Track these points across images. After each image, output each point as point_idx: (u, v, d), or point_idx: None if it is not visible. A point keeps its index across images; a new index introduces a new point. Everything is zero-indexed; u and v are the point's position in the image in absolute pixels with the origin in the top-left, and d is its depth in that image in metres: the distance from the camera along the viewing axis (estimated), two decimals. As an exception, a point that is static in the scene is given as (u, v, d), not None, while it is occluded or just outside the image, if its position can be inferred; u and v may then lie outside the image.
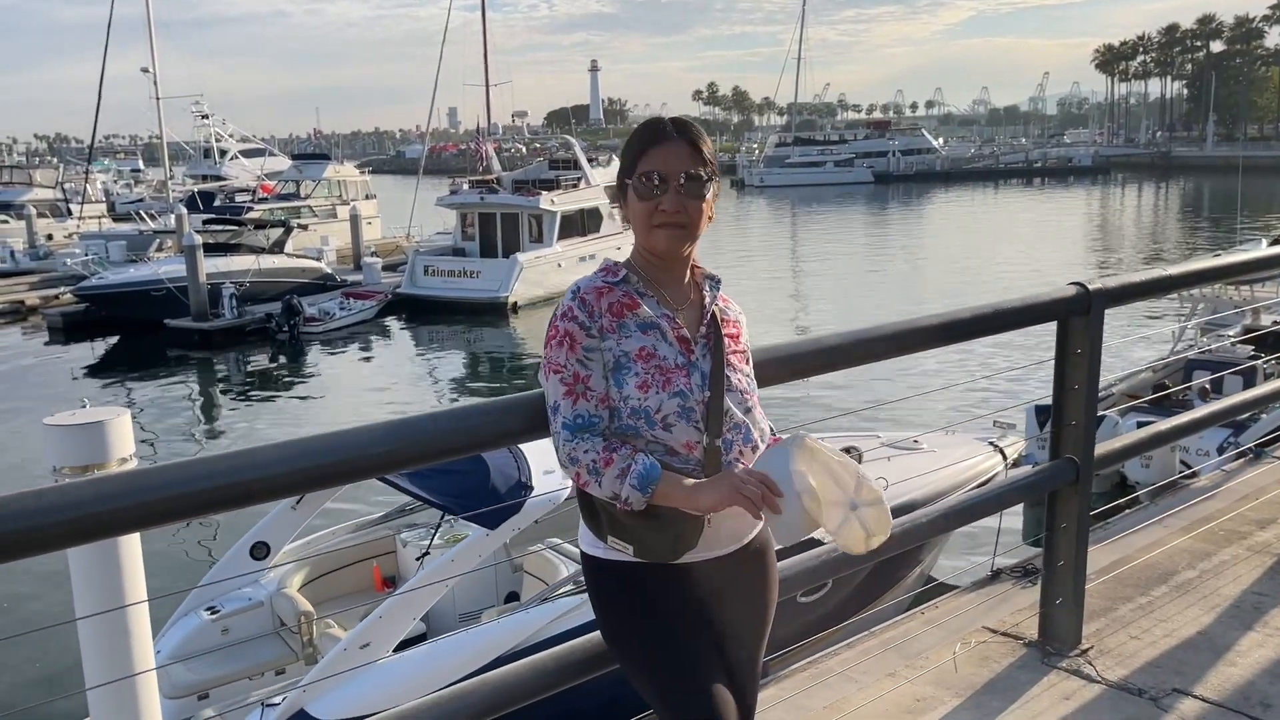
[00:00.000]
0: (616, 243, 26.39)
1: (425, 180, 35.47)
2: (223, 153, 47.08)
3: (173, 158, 47.56)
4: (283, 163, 44.48)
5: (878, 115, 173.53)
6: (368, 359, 20.81)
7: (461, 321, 23.26)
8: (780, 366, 2.39)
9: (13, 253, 30.99)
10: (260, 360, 20.42)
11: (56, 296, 24.83)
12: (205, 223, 26.08)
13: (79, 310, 22.84)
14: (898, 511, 2.14)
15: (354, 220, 30.19)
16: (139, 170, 65.96)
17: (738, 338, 2.03)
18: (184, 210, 28.73)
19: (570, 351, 1.85)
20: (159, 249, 26.85)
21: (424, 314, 23.76)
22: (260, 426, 15.39)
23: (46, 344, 22.39)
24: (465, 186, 26.81)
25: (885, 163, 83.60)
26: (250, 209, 29.88)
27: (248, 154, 47.14)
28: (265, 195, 34.71)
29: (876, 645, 3.39)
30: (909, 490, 6.53)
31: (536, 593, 6.17)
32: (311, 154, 47.23)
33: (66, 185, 43.72)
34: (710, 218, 1.95)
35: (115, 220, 37.49)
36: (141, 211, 34.07)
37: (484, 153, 30.41)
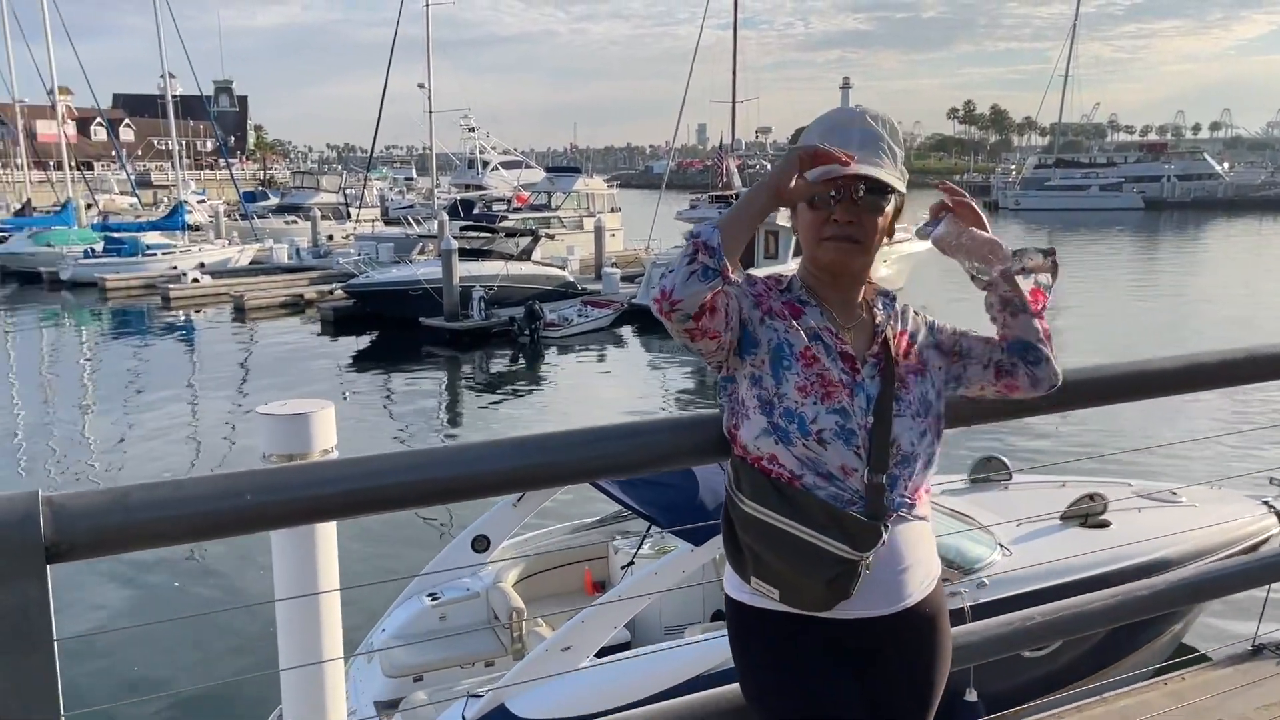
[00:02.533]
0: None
1: (669, 195, 36.17)
2: (485, 164, 49.89)
3: (442, 167, 50.97)
4: (537, 175, 46.63)
5: (1153, 137, 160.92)
6: (601, 365, 21.38)
7: (692, 333, 23.42)
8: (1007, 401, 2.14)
9: (298, 250, 34.19)
10: (502, 361, 21.43)
11: (330, 292, 27.10)
12: (462, 229, 27.71)
13: (348, 305, 24.84)
14: (1149, 569, 1.87)
15: (598, 232, 31.18)
16: (411, 178, 71.16)
17: (909, 351, 1.82)
18: (445, 217, 30.67)
19: (729, 295, 1.69)
20: (421, 251, 28.81)
21: (656, 324, 23.82)
22: (496, 425, 16.09)
23: (318, 334, 24.50)
24: (705, 201, 27.06)
25: (1159, 188, 77.22)
26: (504, 218, 31.49)
27: (507, 166, 49.74)
28: (520, 205, 36.49)
29: (1107, 714, 3.03)
30: (1162, 547, 5.91)
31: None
32: (564, 167, 49.28)
33: (348, 191, 47.79)
34: (890, 235, 1.80)
35: (387, 224, 40.52)
36: (409, 217, 36.67)
37: (725, 168, 30.59)
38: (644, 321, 24.39)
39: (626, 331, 24.12)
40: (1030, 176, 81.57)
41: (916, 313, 1.91)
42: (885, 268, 27.06)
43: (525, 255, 26.35)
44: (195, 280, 29.83)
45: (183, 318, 27.33)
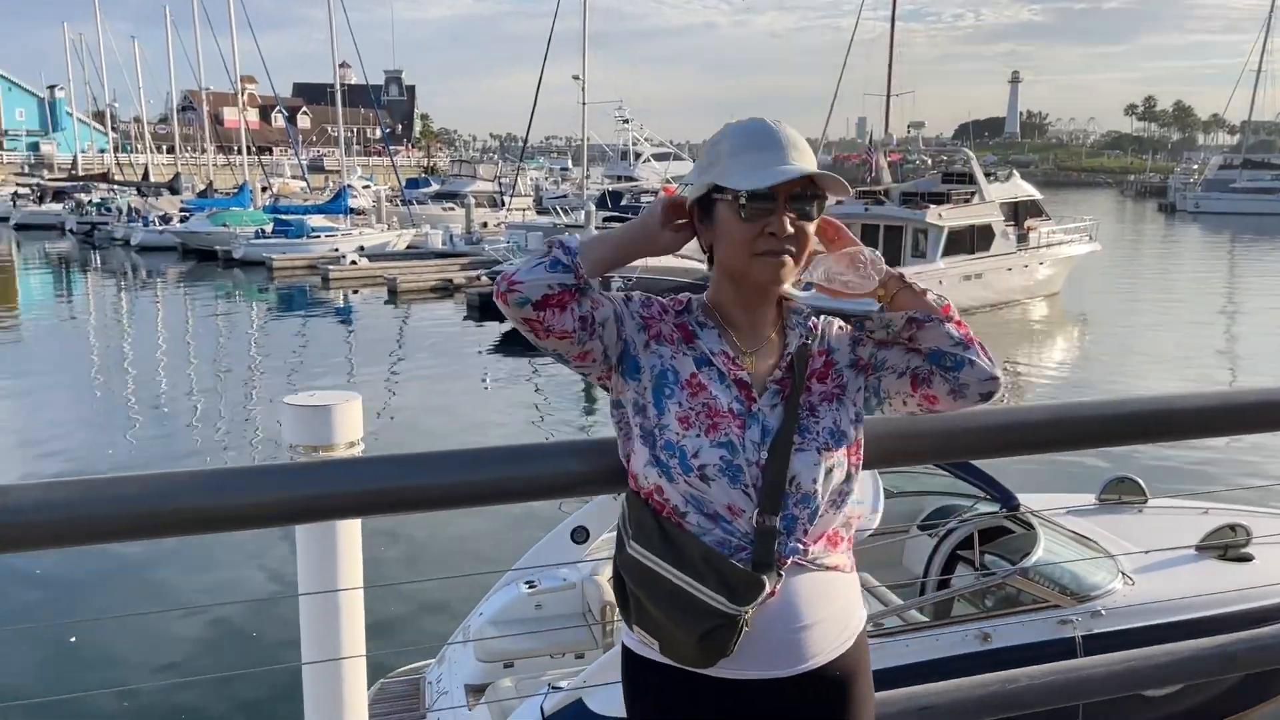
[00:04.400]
0: (1008, 263, 24.70)
1: (819, 189, 35.36)
2: (637, 155, 50.29)
3: (597, 159, 51.70)
4: (687, 166, 46.72)
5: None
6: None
7: (833, 331, 22.98)
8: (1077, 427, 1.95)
9: (452, 236, 35.28)
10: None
11: (477, 278, 27.84)
12: (605, 219, 27.97)
13: (492, 292, 25.48)
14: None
15: (742, 226, 30.91)
16: (567, 169, 72.49)
17: (826, 373, 1.64)
18: (592, 207, 31.03)
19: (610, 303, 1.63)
20: (566, 241, 29.22)
21: (799, 322, 23.72)
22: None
23: (464, 319, 25.22)
24: (851, 197, 26.46)
25: (1360, 193, 70.95)
26: (649, 208, 31.58)
27: (658, 157, 50.02)
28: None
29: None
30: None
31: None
32: (712, 159, 49.08)
33: (503, 180, 49.01)
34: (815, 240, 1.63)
35: (538, 213, 41.35)
36: (558, 206, 37.29)
37: (874, 163, 29.80)
38: (783, 318, 24.06)
39: (764, 327, 23.82)
40: (1213, 178, 76.24)
41: (841, 326, 1.74)
42: (1044, 269, 25.82)
43: (666, 247, 26.39)
44: (353, 262, 31.18)
45: (340, 298, 28.62)
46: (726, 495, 1.52)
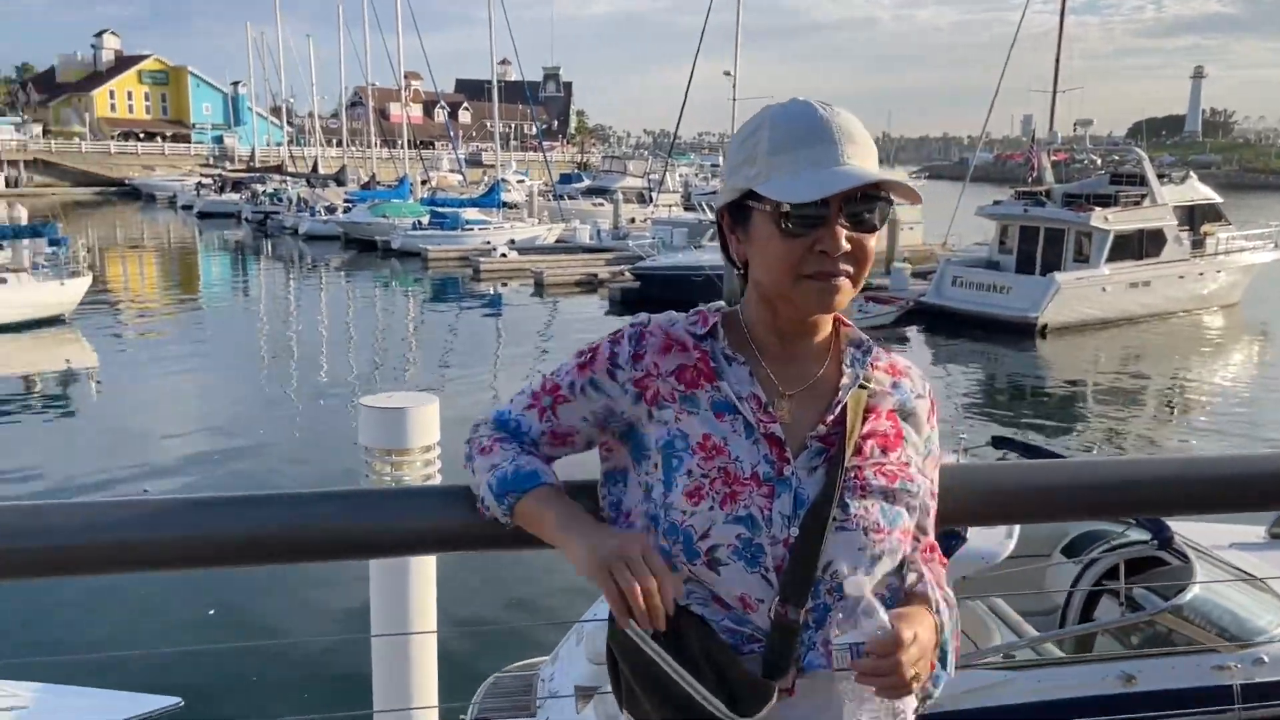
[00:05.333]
0: (1179, 270, 23.14)
1: (981, 188, 34.22)
2: (787, 152, 49.62)
3: (748, 155, 51.01)
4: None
5: None
6: (880, 365, 20.55)
7: (983, 339, 22.05)
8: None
9: (599, 231, 35.68)
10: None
11: (621, 273, 28.02)
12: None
13: (634, 288, 25.57)
14: None
15: (891, 224, 30.11)
16: (717, 165, 72.24)
17: (894, 443, 1.31)
18: (737, 203, 30.77)
19: (579, 370, 1.35)
20: (710, 238, 29.12)
21: (944, 326, 22.92)
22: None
23: (606, 314, 25.44)
24: (1011, 197, 25.30)
25: None
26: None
27: (807, 154, 49.17)
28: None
29: None
30: None
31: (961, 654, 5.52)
32: (865, 157, 48.08)
33: (652, 175, 49.24)
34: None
35: (685, 209, 41.34)
36: (705, 203, 37.18)
37: (1036, 161, 28.40)
38: (932, 321, 23.27)
39: (911, 331, 23.09)
40: None
41: (920, 394, 1.38)
42: (1221, 278, 24.11)
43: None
44: (503, 255, 31.90)
45: (490, 290, 29.34)
46: (740, 583, 1.23)
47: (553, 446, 1.38)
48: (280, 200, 46.79)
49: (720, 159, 77.74)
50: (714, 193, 45.08)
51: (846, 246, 1.23)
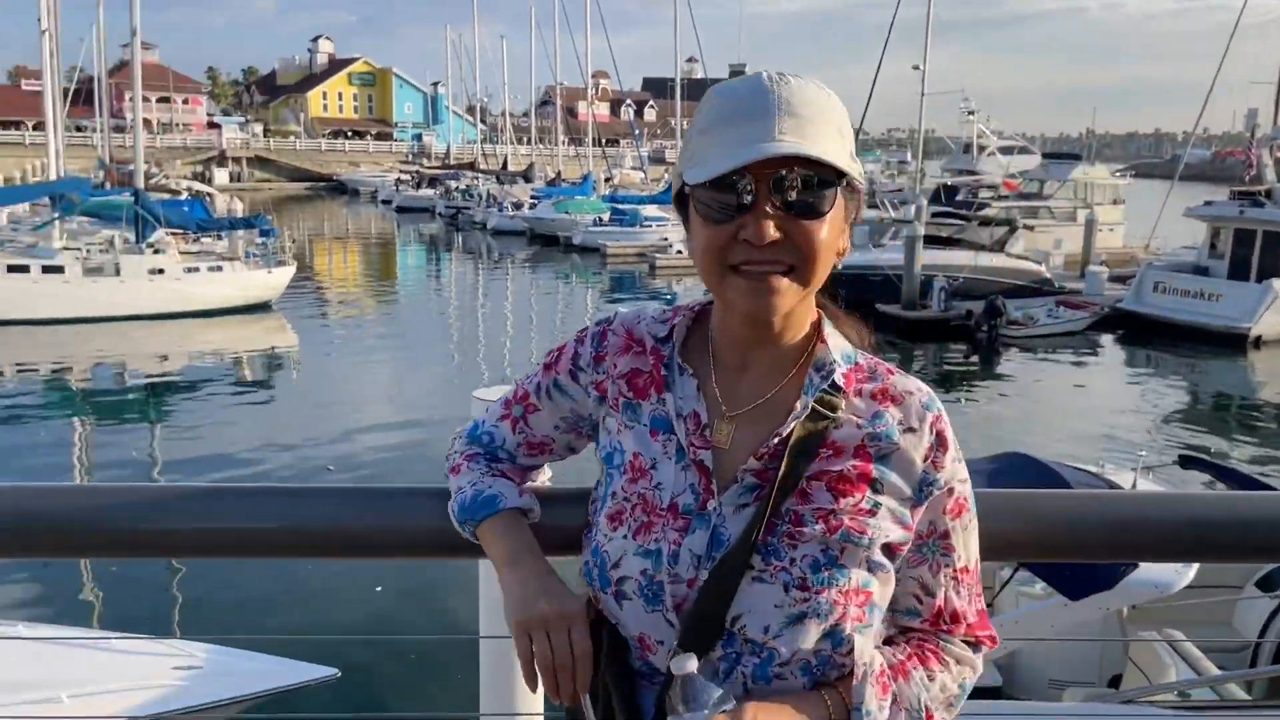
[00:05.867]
0: None
1: (1195, 188, 31.81)
2: (981, 149, 47.87)
3: (940, 151, 49.52)
4: (1033, 161, 43.72)
5: None
6: (1068, 373, 19.48)
7: (1187, 350, 20.50)
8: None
9: (777, 229, 35.31)
10: (956, 356, 20.42)
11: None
12: (934, 215, 26.76)
13: (809, 285, 25.15)
14: None
15: (1088, 225, 28.45)
16: (905, 161, 70.27)
17: (853, 488, 1.09)
18: (923, 202, 29.81)
19: (545, 372, 1.25)
20: (893, 236, 28.33)
21: (1144, 334, 21.45)
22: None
23: (780, 312, 25.20)
24: (1227, 198, 23.40)
25: None
26: (985, 205, 29.85)
27: (1004, 151, 47.23)
28: (1007, 193, 34.40)
29: None
30: None
31: (1131, 689, 5.15)
32: (1061, 154, 45.77)
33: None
34: (842, 252, 1.11)
35: (869, 207, 40.38)
36: (886, 200, 36.23)
37: (1254, 159, 26.11)
38: (1129, 328, 21.84)
39: (1106, 338, 21.75)
40: None
41: (927, 433, 1.13)
42: None
43: (999, 246, 24.77)
44: (679, 252, 32.06)
45: (664, 286, 29.60)
46: (638, 622, 1.11)
47: (530, 456, 1.30)
48: (471, 196, 48.74)
49: (909, 155, 75.53)
50: (898, 190, 43.83)
51: (774, 235, 1.04)
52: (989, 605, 5.92)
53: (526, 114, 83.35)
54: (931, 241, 23.32)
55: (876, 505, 1.10)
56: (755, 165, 1.02)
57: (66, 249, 21.38)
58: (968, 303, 21.90)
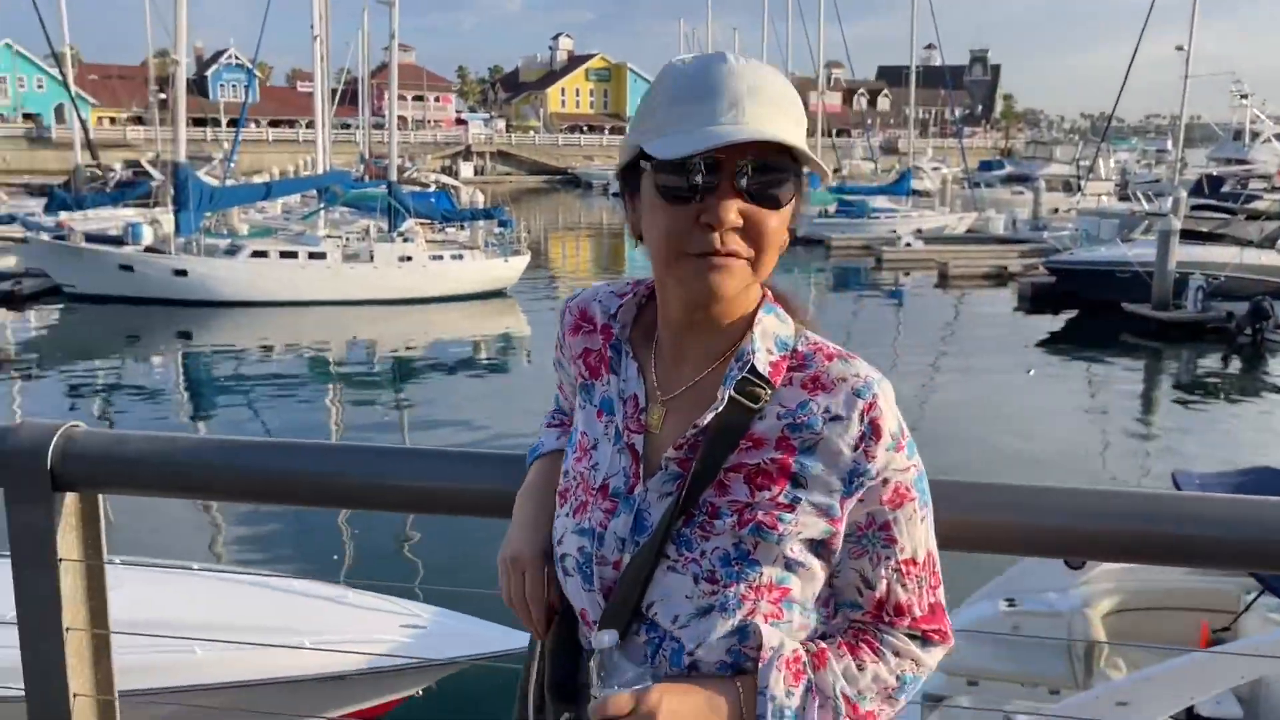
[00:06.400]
0: None
1: None
2: (1254, 135, 43.70)
3: (1204, 139, 45.51)
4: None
5: None
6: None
7: None
8: None
9: (1015, 222, 33.65)
10: (1212, 362, 18.74)
11: (1035, 267, 26.23)
12: (1194, 208, 24.64)
13: (1048, 283, 23.76)
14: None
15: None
16: (1164, 150, 65.11)
17: (771, 481, 1.08)
18: (1182, 194, 27.51)
19: (555, 353, 1.30)
20: (1145, 231, 26.31)
21: None
22: (1190, 445, 13.95)
23: (1014, 310, 23.97)
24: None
25: None
26: (1255, 198, 27.17)
27: (1281, 138, 42.88)
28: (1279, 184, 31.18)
29: None
30: None
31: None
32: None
33: (1083, 162, 45.44)
34: (783, 244, 1.09)
35: (1119, 199, 37.77)
36: (1140, 192, 33.69)
37: None
38: None
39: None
40: None
41: (860, 419, 1.08)
42: None
43: (1269, 243, 22.46)
44: (907, 245, 31.14)
45: (891, 280, 28.82)
46: (577, 597, 1.16)
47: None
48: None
49: (1169, 143, 69.78)
50: (1155, 180, 40.59)
51: (736, 220, 1.04)
52: (1226, 629, 5.48)
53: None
54: (1189, 236, 21.48)
55: (796, 500, 1.08)
56: (723, 149, 1.01)
57: (329, 237, 23.37)
58: (1228, 303, 20.00)
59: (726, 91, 1.04)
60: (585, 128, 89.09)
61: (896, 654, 1.14)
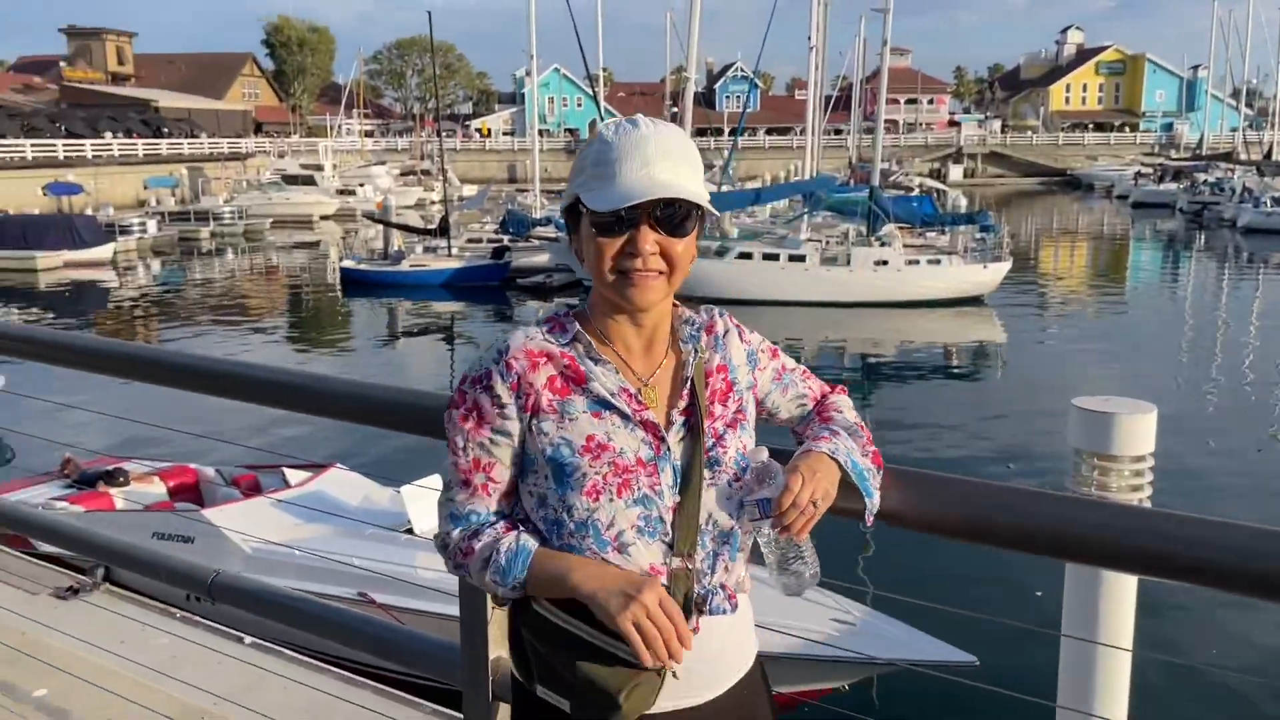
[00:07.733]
0: None
1: None
2: None
3: None
4: None
5: None
6: None
7: None
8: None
9: None
10: None
11: None
12: None
13: None
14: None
15: None
16: None
17: (728, 390, 1.54)
18: None
19: (476, 430, 1.46)
20: None
21: None
22: None
23: None
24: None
25: None
26: None
27: None
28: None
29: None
30: None
31: None
32: None
33: None
34: (692, 258, 1.47)
35: None
36: None
37: None
38: None
39: None
40: None
41: (743, 338, 1.61)
42: None
43: None
44: None
45: None
46: (646, 555, 1.42)
47: (507, 504, 1.52)
48: (1222, 190, 43.41)
49: None
50: None
51: (653, 249, 1.40)
52: None
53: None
54: None
55: (741, 394, 1.55)
56: (638, 204, 1.38)
57: (809, 240, 24.23)
58: None
59: (639, 153, 1.41)
60: (1090, 125, 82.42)
61: (839, 401, 1.68)
